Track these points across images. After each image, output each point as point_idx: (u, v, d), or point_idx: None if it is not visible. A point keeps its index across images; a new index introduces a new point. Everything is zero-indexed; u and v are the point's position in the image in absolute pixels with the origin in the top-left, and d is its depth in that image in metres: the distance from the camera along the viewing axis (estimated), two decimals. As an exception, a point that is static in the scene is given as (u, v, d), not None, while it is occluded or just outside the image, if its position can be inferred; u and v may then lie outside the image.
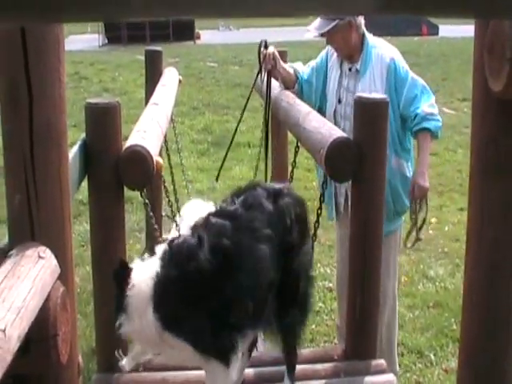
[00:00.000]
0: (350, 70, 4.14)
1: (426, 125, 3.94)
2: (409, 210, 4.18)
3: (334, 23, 3.97)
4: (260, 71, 4.37)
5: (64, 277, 2.04)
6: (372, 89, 3.96)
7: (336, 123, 4.00)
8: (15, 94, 1.98)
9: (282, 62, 4.37)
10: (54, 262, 1.97)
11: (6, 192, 2.08)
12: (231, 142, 4.84)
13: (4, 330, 1.53)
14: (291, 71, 4.40)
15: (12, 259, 1.87)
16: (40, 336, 1.84)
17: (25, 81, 1.97)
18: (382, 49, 4.12)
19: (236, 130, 4.94)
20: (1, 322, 1.55)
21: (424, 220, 4.18)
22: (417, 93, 4.00)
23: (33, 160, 2.00)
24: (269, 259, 2.64)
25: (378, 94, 3.85)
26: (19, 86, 1.97)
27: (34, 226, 2.02)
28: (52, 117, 2.05)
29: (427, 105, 3.97)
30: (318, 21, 4.11)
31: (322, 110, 4.23)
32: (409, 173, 4.13)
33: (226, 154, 4.81)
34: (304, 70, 4.41)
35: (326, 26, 4.00)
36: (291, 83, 4.39)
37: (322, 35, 4.09)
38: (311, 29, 4.12)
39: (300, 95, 4.32)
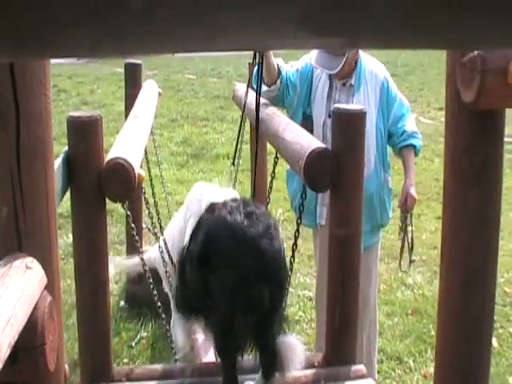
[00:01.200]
0: (343, 85, 4.19)
1: (412, 141, 4.18)
2: (398, 224, 4.31)
3: (344, 59, 4.02)
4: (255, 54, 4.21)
5: (50, 287, 2.08)
6: (366, 104, 4.06)
7: (325, 136, 4.07)
8: (2, 109, 2.03)
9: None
10: (42, 272, 2.01)
11: (-8, 204, 2.12)
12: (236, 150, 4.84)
13: (-5, 338, 1.58)
14: (275, 64, 4.26)
15: (0, 269, 1.91)
16: (28, 344, 1.88)
17: (12, 96, 2.01)
18: (373, 66, 4.24)
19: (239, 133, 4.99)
20: (-8, 330, 1.60)
21: (412, 240, 4.32)
22: (404, 112, 4.21)
23: (19, 173, 2.05)
24: None
25: (371, 109, 4.00)
26: (6, 101, 2.02)
27: (21, 237, 2.06)
28: (38, 131, 2.09)
29: (412, 124, 4.19)
30: (323, 57, 4.08)
31: (305, 115, 4.28)
32: (391, 186, 4.28)
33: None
34: (288, 69, 4.33)
35: (337, 64, 4.03)
36: (273, 77, 4.24)
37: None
38: (320, 68, 4.14)
39: (281, 96, 4.30)
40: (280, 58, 4.50)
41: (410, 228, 4.30)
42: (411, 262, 4.45)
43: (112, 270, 3.76)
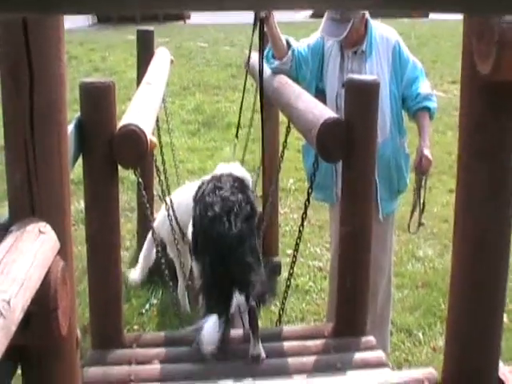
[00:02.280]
0: (355, 52, 4.16)
1: (427, 104, 4.13)
2: (412, 189, 4.27)
3: (349, 25, 3.97)
4: (255, 22, 4.25)
5: (63, 252, 2.09)
6: (379, 69, 4.05)
7: (338, 106, 4.04)
8: (16, 73, 2.02)
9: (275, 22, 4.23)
10: (54, 237, 2.02)
11: (6, 169, 2.12)
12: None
13: (9, 301, 1.58)
14: (283, 38, 4.24)
15: (13, 234, 1.92)
16: (41, 309, 1.89)
17: (25, 59, 2.00)
18: (384, 30, 4.20)
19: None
20: (5, 294, 1.60)
21: (424, 204, 4.28)
22: (417, 74, 4.16)
23: (33, 138, 2.04)
24: None
25: (384, 73, 3.98)
26: (20, 65, 2.00)
27: (34, 202, 2.06)
28: (52, 95, 2.08)
29: (426, 86, 4.13)
30: (330, 25, 4.04)
31: (318, 88, 4.26)
32: (408, 151, 4.25)
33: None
34: (298, 44, 4.30)
35: (342, 30, 3.98)
36: (282, 49, 4.24)
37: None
38: (326, 36, 4.11)
39: (293, 69, 4.26)
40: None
41: (422, 191, 4.25)
42: (420, 224, 4.39)
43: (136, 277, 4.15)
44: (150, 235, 4.70)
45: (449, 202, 6.92)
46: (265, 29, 4.07)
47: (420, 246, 6.38)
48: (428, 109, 4.14)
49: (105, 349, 3.10)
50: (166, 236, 4.82)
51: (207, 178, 4.12)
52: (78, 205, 6.07)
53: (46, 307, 1.90)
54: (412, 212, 4.33)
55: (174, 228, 4.51)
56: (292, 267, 3.60)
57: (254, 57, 4.99)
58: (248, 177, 4.53)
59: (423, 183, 4.20)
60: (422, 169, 4.12)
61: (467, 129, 2.44)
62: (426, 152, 4.08)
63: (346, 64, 4.18)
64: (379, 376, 2.98)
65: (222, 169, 4.43)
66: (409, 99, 4.14)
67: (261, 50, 3.90)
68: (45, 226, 1.99)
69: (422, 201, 4.27)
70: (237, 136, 5.62)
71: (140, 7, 0.76)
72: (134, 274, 4.97)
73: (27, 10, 0.87)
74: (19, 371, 2.16)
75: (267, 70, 4.39)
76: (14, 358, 2.01)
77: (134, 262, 5.42)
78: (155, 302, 5.24)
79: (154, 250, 4.63)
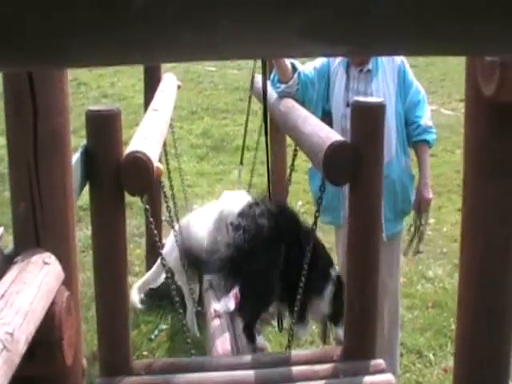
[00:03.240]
0: (360, 71, 4.17)
1: (426, 137, 4.18)
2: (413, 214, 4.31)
3: None
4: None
5: (68, 282, 2.09)
6: (385, 88, 4.07)
7: (344, 128, 4.05)
8: (20, 105, 2.04)
9: None
10: (59, 267, 2.02)
11: (11, 200, 2.13)
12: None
13: (12, 334, 1.59)
14: (288, 62, 4.24)
15: (18, 265, 1.92)
16: (46, 339, 1.89)
17: (29, 91, 2.01)
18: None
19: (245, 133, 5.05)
20: (9, 326, 1.60)
21: (422, 233, 4.32)
22: (420, 99, 4.18)
23: (37, 168, 2.05)
24: None
25: (390, 93, 4.00)
26: (23, 97, 2.02)
27: (39, 232, 2.07)
28: (56, 126, 2.10)
29: (427, 117, 4.19)
30: None
31: (324, 110, 4.27)
32: (413, 171, 4.26)
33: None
34: (304, 67, 4.32)
35: None
36: (287, 73, 4.24)
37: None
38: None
39: (300, 92, 4.27)
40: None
41: (423, 226, 4.30)
42: (418, 252, 4.46)
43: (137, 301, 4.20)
44: (158, 261, 4.72)
45: (458, 221, 6.83)
46: None
47: (430, 266, 6.35)
48: (427, 142, 4.19)
49: (113, 376, 3.09)
50: (173, 264, 4.82)
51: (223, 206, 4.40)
52: (86, 231, 6.09)
53: (51, 338, 1.90)
54: (410, 241, 4.37)
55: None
56: (299, 292, 3.58)
57: (260, 80, 5.02)
58: None
59: (423, 221, 4.26)
60: (419, 209, 4.20)
61: (472, 149, 2.44)
62: (425, 192, 4.14)
63: (352, 84, 4.19)
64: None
65: (228, 197, 4.51)
66: (409, 127, 4.18)
67: (264, 74, 3.92)
68: (49, 257, 2.00)
69: (420, 237, 4.32)
70: (241, 162, 5.67)
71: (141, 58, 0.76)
72: (134, 297, 4.96)
73: (30, 65, 0.87)
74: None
75: (274, 94, 4.41)
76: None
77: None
78: (164, 327, 5.22)
79: (162, 277, 4.64)
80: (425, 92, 4.31)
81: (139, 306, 5.00)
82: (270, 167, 4.37)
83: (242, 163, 6.14)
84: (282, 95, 4.33)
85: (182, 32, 0.63)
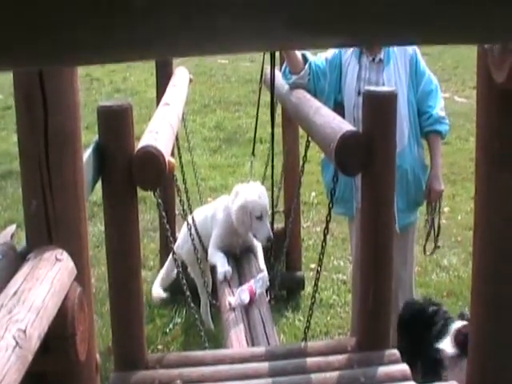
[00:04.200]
0: (373, 60, 4.15)
1: (438, 127, 4.15)
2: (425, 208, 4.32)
3: None
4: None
5: (81, 278, 2.10)
6: (397, 78, 4.05)
7: (355, 117, 4.04)
8: (30, 102, 2.04)
9: None
10: (71, 263, 2.03)
11: (22, 197, 2.14)
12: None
13: (25, 330, 1.60)
14: (298, 53, 4.23)
15: (30, 262, 1.93)
16: (59, 335, 1.90)
17: (39, 88, 2.02)
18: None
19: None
20: (22, 323, 1.61)
21: (439, 227, 4.31)
22: (432, 88, 4.15)
23: (48, 165, 2.06)
24: None
25: (402, 82, 3.99)
26: (34, 93, 2.03)
27: (51, 229, 2.08)
28: (67, 123, 2.10)
29: (440, 107, 4.15)
30: None
31: (337, 101, 4.26)
32: (426, 161, 4.25)
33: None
34: (315, 58, 4.30)
35: None
36: (298, 65, 4.23)
37: None
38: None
39: (311, 83, 4.26)
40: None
41: (436, 218, 4.29)
42: (436, 247, 4.45)
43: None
44: (170, 256, 4.75)
45: (472, 210, 6.81)
46: None
47: (444, 255, 6.32)
48: (439, 132, 4.16)
49: (128, 370, 3.10)
50: (186, 257, 4.84)
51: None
52: (101, 226, 6.10)
53: (64, 333, 1.91)
54: (427, 236, 4.37)
55: (197, 246, 4.53)
56: (316, 284, 3.59)
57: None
58: (266, 195, 4.60)
59: (436, 209, 4.24)
60: (430, 200, 4.19)
61: (484, 137, 2.42)
62: (435, 183, 4.13)
63: (364, 73, 4.18)
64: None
65: (241, 189, 4.52)
66: (421, 116, 4.15)
67: (272, 66, 3.92)
68: (61, 254, 2.01)
69: (436, 225, 4.30)
70: (253, 153, 5.68)
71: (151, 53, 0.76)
72: (157, 290, 5.00)
73: (44, 63, 0.87)
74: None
75: (285, 85, 4.40)
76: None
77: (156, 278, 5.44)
78: (179, 320, 5.24)
79: (175, 271, 4.68)
80: (438, 81, 4.29)
81: (164, 295, 5.04)
82: (281, 159, 4.37)
83: (253, 154, 6.13)
84: (294, 86, 4.31)
85: (181, 29, 0.63)
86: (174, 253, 3.69)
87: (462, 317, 3.88)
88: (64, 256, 2.01)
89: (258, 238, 4.49)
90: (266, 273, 4.34)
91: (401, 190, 4.10)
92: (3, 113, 12.02)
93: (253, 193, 4.54)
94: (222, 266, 4.40)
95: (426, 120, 4.14)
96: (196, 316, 3.76)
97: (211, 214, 4.86)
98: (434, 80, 4.22)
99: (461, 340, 3.65)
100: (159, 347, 4.89)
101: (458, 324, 3.82)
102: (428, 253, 4.49)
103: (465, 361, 3.60)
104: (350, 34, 0.65)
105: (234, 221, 4.52)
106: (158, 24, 0.64)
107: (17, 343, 1.53)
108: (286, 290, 5.58)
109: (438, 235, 4.37)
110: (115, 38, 0.69)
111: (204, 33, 0.63)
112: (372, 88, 3.42)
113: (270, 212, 5.31)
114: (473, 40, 0.83)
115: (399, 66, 4.12)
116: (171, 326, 5.20)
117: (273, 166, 4.33)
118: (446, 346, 3.70)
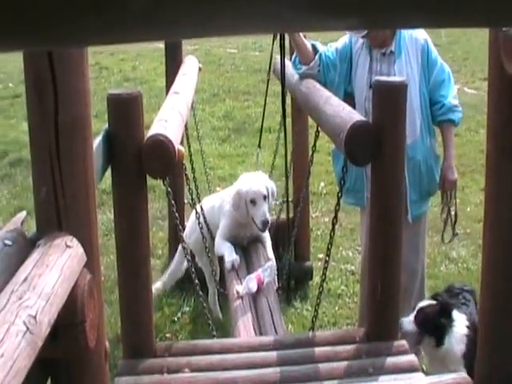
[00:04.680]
0: (383, 54, 4.13)
1: (451, 116, 4.13)
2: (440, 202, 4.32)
3: None
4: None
5: (90, 265, 2.10)
6: (409, 70, 4.03)
7: (367, 110, 4.02)
8: (40, 89, 2.04)
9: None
10: (81, 250, 2.04)
11: (32, 184, 2.14)
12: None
13: (35, 316, 1.60)
14: (308, 44, 4.22)
15: (40, 249, 1.94)
16: (68, 322, 1.91)
17: (50, 76, 2.02)
18: (412, 29, 4.15)
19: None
20: (32, 309, 1.62)
21: (456, 215, 4.31)
22: (444, 77, 4.12)
23: (58, 153, 2.06)
24: None
25: (414, 74, 3.98)
26: (44, 81, 2.03)
27: (61, 216, 2.08)
28: (77, 111, 2.10)
29: (452, 96, 4.14)
30: None
31: (346, 92, 4.25)
32: (438, 152, 4.24)
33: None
34: (325, 48, 4.28)
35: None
36: (307, 55, 4.21)
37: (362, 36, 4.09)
38: (349, 32, 4.11)
39: (321, 73, 4.25)
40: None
41: (452, 207, 4.29)
42: (454, 235, 4.44)
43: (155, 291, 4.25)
44: (180, 247, 4.76)
45: (482, 202, 6.74)
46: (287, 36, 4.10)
47: (453, 247, 6.30)
48: (452, 121, 4.14)
49: (136, 358, 3.11)
50: (193, 246, 4.86)
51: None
52: (110, 214, 6.12)
53: (73, 320, 1.92)
54: (445, 224, 4.36)
55: (205, 235, 4.54)
56: (324, 273, 3.59)
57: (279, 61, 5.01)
58: (273, 185, 4.62)
59: (451, 198, 4.24)
60: (444, 189, 4.18)
61: (495, 128, 2.41)
62: (449, 173, 4.12)
63: (375, 66, 4.15)
64: (412, 380, 2.95)
65: (245, 178, 4.56)
66: (434, 107, 4.13)
67: (282, 56, 3.90)
68: (71, 240, 2.01)
69: (452, 214, 4.30)
70: (259, 146, 5.71)
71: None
72: (156, 286, 5.01)
73: (53, 44, 0.87)
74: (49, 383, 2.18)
75: (295, 75, 4.38)
76: (43, 370, 2.03)
77: (166, 270, 5.46)
78: (187, 309, 5.26)
79: (185, 264, 4.70)
80: (449, 71, 4.26)
81: (159, 286, 5.08)
82: (287, 149, 4.37)
83: (259, 147, 6.15)
84: (304, 76, 4.30)
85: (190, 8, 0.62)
86: (183, 241, 3.69)
87: (434, 297, 3.92)
88: (74, 243, 2.02)
89: (256, 224, 4.51)
90: (274, 262, 4.35)
91: (413, 181, 4.10)
92: (13, 101, 12.04)
93: (248, 179, 4.62)
94: (230, 255, 4.41)
95: (438, 109, 4.12)
96: (204, 305, 3.77)
97: (218, 204, 4.87)
98: (446, 68, 4.18)
99: (421, 318, 3.73)
100: (167, 335, 4.90)
101: (424, 302, 3.88)
102: (447, 241, 4.49)
103: (425, 339, 3.73)
104: (365, 16, 0.64)
105: (231, 207, 4.56)
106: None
107: (27, 329, 1.54)
108: (294, 280, 5.58)
109: (455, 223, 4.37)
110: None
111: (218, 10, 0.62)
112: (382, 78, 3.41)
113: (277, 202, 5.33)
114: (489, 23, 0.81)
115: (410, 58, 4.09)
116: (179, 314, 5.21)
117: (286, 158, 4.34)
118: (407, 322, 3.75)
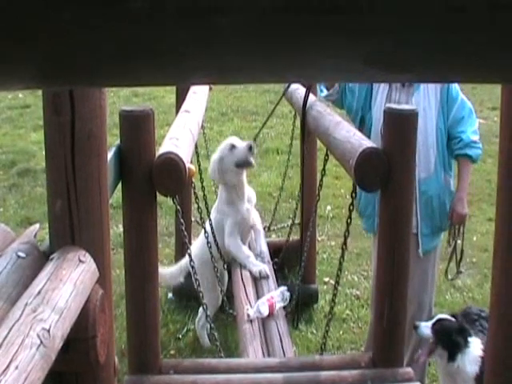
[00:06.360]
0: (403, 84, 4.13)
1: (468, 152, 4.09)
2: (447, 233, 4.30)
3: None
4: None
5: (102, 280, 2.11)
6: (426, 103, 4.01)
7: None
8: (58, 106, 2.06)
9: None
10: (94, 266, 2.05)
11: (47, 197, 2.16)
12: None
13: (49, 330, 1.61)
14: None
15: (54, 262, 1.95)
16: (80, 336, 1.91)
17: (67, 92, 2.04)
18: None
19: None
20: (46, 322, 1.63)
21: (462, 252, 4.29)
22: (464, 114, 4.10)
23: (74, 168, 2.08)
24: None
25: (432, 108, 3.98)
26: (61, 97, 2.05)
27: (75, 230, 2.09)
28: (93, 127, 2.12)
29: (472, 130, 4.09)
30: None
31: (363, 120, 4.26)
32: (453, 188, 4.22)
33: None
34: None
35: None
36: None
37: None
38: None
39: (340, 100, 4.30)
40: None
41: (459, 241, 4.28)
42: (458, 273, 4.45)
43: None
44: (182, 261, 4.82)
45: (488, 231, 6.82)
46: None
47: (459, 276, 6.29)
48: (469, 156, 4.11)
49: (142, 374, 3.11)
50: (198, 268, 4.87)
51: None
52: (116, 229, 6.13)
53: (85, 335, 1.93)
54: (449, 260, 4.36)
55: (214, 255, 4.55)
56: (333, 299, 3.60)
57: (294, 84, 5.04)
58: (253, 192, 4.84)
59: (458, 233, 4.22)
60: (452, 223, 4.16)
61: (507, 159, 2.41)
62: (458, 206, 4.10)
63: (394, 95, 4.15)
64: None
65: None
66: (452, 141, 4.11)
67: (307, 89, 3.92)
68: (84, 255, 2.02)
69: (458, 249, 4.30)
70: (255, 139, 5.93)
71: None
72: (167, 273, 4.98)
73: (74, 84, 0.88)
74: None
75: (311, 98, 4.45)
76: (53, 383, 2.03)
77: (170, 286, 5.45)
78: (192, 327, 5.25)
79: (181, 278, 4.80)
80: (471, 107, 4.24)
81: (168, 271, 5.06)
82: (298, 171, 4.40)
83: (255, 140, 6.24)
84: (324, 100, 4.39)
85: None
86: (191, 259, 3.69)
87: (452, 315, 3.96)
88: (87, 258, 2.03)
89: (243, 160, 5.10)
90: (286, 288, 4.32)
91: (425, 216, 4.09)
92: (22, 111, 12.08)
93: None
94: (256, 264, 4.55)
95: (456, 144, 4.09)
96: (208, 326, 3.77)
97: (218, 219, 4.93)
98: (466, 105, 4.15)
99: (438, 328, 3.77)
100: (172, 352, 4.89)
101: (443, 315, 3.91)
102: (450, 277, 4.49)
103: (437, 350, 3.79)
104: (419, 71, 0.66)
105: (218, 179, 4.97)
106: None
107: (41, 342, 1.55)
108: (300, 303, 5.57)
109: (460, 260, 4.35)
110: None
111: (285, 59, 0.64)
112: (393, 105, 3.42)
113: (286, 224, 5.37)
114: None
115: (429, 92, 4.08)
116: (184, 331, 5.20)
117: (302, 183, 4.35)
118: (424, 326, 3.80)
